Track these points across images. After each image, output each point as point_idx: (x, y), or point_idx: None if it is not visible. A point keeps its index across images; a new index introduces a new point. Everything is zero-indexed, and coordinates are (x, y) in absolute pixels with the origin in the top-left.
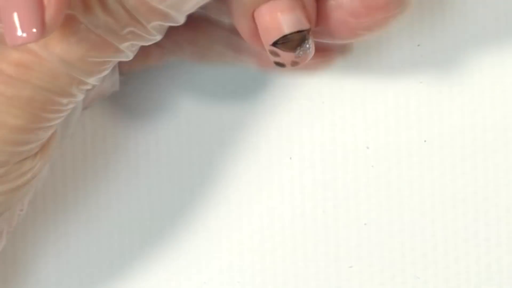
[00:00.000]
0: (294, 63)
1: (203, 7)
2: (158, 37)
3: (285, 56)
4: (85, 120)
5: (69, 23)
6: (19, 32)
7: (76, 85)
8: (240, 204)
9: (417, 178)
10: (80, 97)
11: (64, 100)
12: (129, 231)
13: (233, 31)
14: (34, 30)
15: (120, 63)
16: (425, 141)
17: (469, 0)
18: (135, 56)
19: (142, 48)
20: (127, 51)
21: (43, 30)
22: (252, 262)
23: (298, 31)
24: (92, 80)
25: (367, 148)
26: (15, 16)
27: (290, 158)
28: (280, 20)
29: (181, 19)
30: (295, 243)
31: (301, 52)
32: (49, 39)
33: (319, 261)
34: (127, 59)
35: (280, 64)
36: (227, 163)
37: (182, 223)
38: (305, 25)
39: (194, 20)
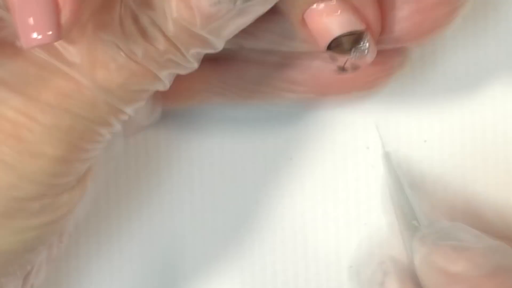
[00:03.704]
0: (355, 67)
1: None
2: (195, 65)
3: (342, 59)
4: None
5: (109, 51)
6: (34, 34)
7: (113, 114)
8: (240, 203)
9: (417, 178)
10: (117, 127)
11: (102, 130)
12: (130, 231)
13: (283, 65)
14: (50, 32)
15: (164, 98)
16: (425, 141)
17: None
18: (181, 94)
19: (189, 87)
20: (165, 80)
21: (59, 32)
22: (252, 262)
23: (351, 33)
24: (129, 110)
25: (367, 148)
26: (31, 18)
27: (291, 158)
28: (327, 23)
29: (219, 45)
30: (295, 242)
31: (357, 54)
32: (90, 67)
33: (319, 261)
34: (164, 89)
35: (341, 69)
36: (227, 163)
37: (183, 223)
38: (357, 26)
39: (241, 59)
